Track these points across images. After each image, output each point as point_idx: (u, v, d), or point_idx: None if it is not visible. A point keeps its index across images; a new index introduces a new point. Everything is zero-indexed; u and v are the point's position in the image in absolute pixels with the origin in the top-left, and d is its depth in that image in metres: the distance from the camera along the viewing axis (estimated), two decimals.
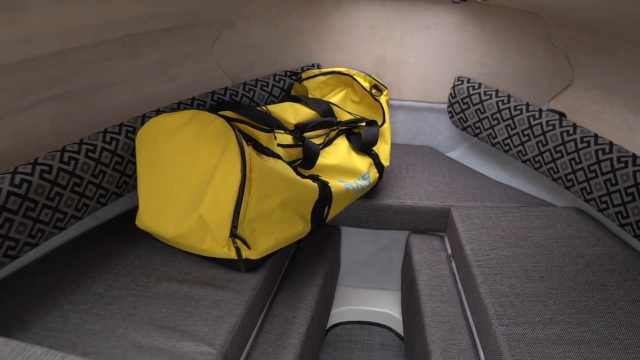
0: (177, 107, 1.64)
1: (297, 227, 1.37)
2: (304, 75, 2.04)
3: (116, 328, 1.10)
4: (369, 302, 1.98)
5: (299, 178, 1.34)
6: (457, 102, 2.05)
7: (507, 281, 1.34)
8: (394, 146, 2.23)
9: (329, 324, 1.94)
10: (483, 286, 1.33)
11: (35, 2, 1.17)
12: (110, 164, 1.38)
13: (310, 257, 1.66)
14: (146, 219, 1.35)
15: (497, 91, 1.93)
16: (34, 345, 0.82)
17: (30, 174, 1.18)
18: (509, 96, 1.89)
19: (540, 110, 1.78)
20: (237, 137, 1.22)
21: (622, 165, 1.46)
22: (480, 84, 1.99)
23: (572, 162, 1.63)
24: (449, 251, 1.72)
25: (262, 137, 1.32)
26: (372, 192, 1.79)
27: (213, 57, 1.93)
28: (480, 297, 1.31)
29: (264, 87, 1.94)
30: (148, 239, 1.43)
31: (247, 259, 1.28)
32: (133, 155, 1.45)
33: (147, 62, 1.66)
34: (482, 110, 1.95)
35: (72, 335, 1.08)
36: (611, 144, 1.52)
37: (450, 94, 2.09)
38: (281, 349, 1.27)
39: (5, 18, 1.12)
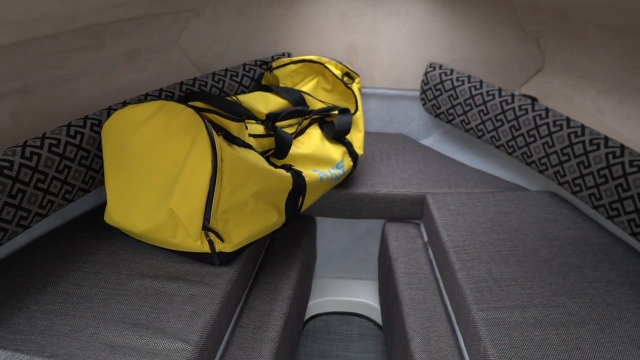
0: (145, 98, 1.59)
1: (272, 218, 1.34)
2: (274, 64, 2.00)
3: (86, 328, 1.07)
4: (346, 292, 1.98)
5: (272, 168, 1.31)
6: (430, 88, 2.04)
7: (484, 266, 1.34)
8: (368, 135, 2.22)
9: (307, 316, 1.92)
10: (461, 272, 1.32)
11: None
12: (75, 159, 1.33)
13: (286, 249, 1.64)
14: (115, 215, 1.31)
15: (469, 77, 1.93)
16: None
17: None
18: (481, 82, 1.89)
19: (513, 95, 1.78)
20: (207, 127, 1.19)
21: (595, 147, 1.47)
22: (452, 70, 1.99)
23: (545, 145, 1.63)
24: (426, 238, 1.71)
25: (233, 127, 1.29)
26: (346, 181, 1.77)
27: (180, 47, 1.89)
28: (458, 283, 1.30)
29: (233, 77, 1.90)
30: (117, 235, 1.38)
31: (220, 252, 1.25)
32: (99, 149, 1.40)
33: (112, 54, 1.61)
34: (455, 97, 1.94)
35: (40, 337, 1.04)
36: (583, 126, 1.53)
37: (423, 81, 2.08)
38: (259, 342, 1.25)
39: None
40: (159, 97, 1.63)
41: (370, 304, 1.92)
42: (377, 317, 1.90)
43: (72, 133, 1.32)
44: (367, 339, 1.84)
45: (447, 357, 1.23)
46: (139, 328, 1.07)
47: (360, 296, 1.95)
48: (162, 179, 1.22)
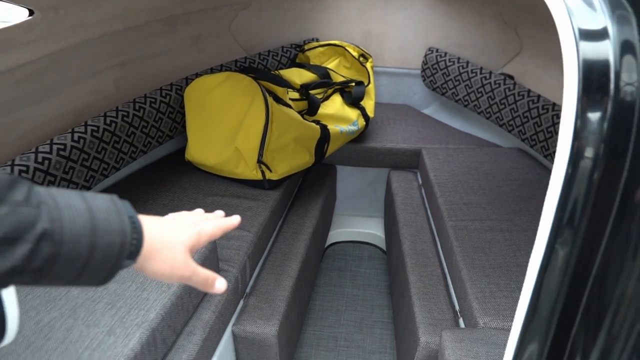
0: (211, 71, 2.11)
1: (305, 158, 1.85)
2: (306, 47, 2.51)
3: None
4: (359, 225, 2.49)
5: (306, 121, 1.82)
6: (428, 67, 2.53)
7: (458, 195, 1.83)
8: (378, 105, 2.67)
9: (328, 242, 2.45)
10: (441, 198, 1.82)
11: None
12: (166, 113, 1.85)
13: (313, 186, 2.15)
14: (193, 152, 1.82)
15: (458, 58, 2.41)
16: None
17: (115, 117, 1.65)
18: (467, 62, 2.37)
19: (490, 73, 2.26)
20: (262, 91, 1.69)
21: (545, 111, 1.95)
22: (446, 53, 2.47)
23: (512, 111, 2.11)
24: (420, 182, 2.21)
25: (279, 91, 1.80)
26: (360, 137, 2.26)
27: (231, 33, 2.37)
28: (439, 206, 1.80)
29: (274, 57, 2.41)
30: (193, 170, 1.89)
31: (269, 180, 1.76)
32: (181, 106, 1.91)
33: (181, 37, 2.08)
34: (447, 74, 2.43)
35: None
36: (539, 96, 2.01)
37: (423, 61, 2.56)
38: (295, 241, 1.77)
39: (92, 5, 1.56)
40: (220, 71, 2.14)
41: (378, 235, 2.43)
42: (382, 245, 2.42)
43: (163, 95, 1.84)
44: (374, 260, 2.37)
45: (427, 253, 1.73)
46: None
47: (370, 229, 2.47)
48: (229, 127, 1.73)
